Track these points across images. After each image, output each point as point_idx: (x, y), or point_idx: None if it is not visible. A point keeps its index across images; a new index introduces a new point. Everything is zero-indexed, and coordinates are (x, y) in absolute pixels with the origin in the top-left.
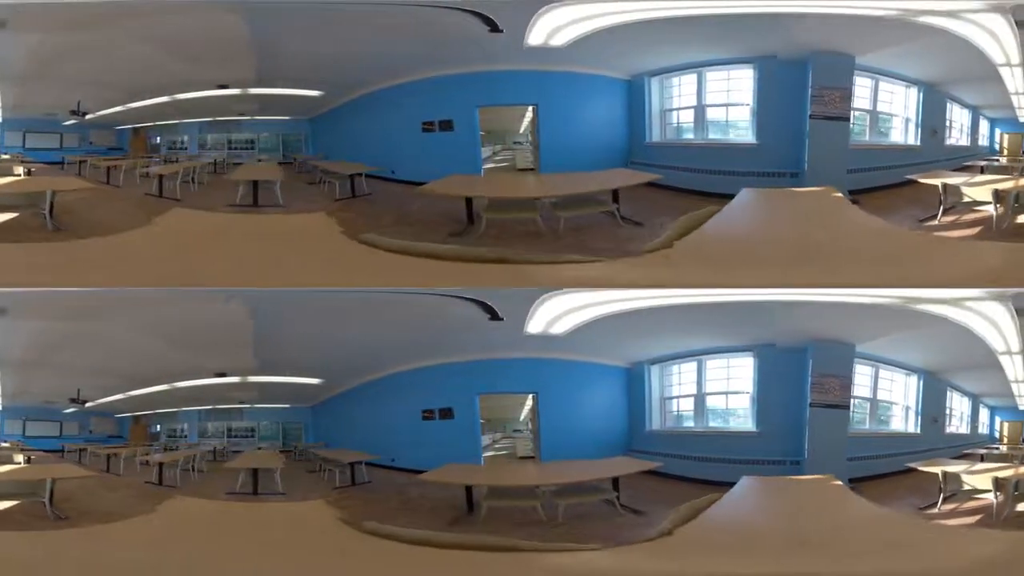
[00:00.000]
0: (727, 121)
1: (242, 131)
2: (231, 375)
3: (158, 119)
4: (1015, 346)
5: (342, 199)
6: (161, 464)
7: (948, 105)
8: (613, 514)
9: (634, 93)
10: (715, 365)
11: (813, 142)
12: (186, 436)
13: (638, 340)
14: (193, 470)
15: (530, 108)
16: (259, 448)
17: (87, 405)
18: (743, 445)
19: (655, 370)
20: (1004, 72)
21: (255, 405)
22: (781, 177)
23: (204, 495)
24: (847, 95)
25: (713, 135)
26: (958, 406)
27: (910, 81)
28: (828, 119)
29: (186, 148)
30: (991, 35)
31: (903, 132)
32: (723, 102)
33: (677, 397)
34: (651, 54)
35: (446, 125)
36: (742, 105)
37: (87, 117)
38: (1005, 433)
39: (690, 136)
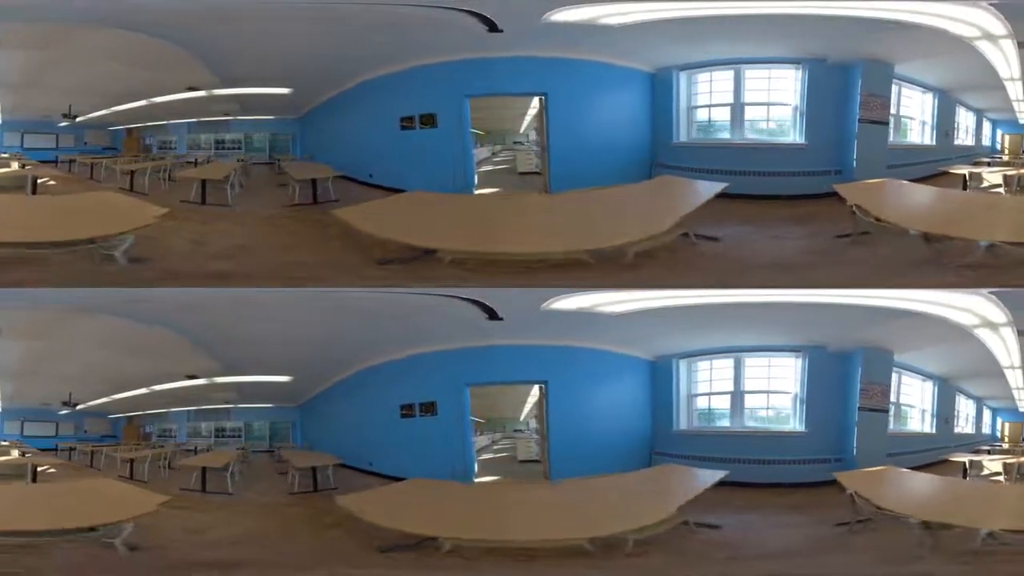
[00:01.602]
0: (769, 120)
1: (231, 131)
2: (201, 377)
3: (148, 120)
4: (1017, 361)
5: (299, 204)
6: (132, 460)
7: (956, 109)
8: (685, 532)
9: (659, 87)
10: (752, 363)
11: (860, 143)
12: (174, 436)
13: (666, 332)
14: (166, 467)
15: (536, 100)
16: (239, 448)
17: (78, 407)
18: (785, 445)
19: (683, 365)
20: (1008, 85)
21: (238, 405)
22: (827, 175)
23: (161, 489)
24: (887, 102)
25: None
26: (964, 408)
27: (927, 88)
28: (872, 123)
29: (174, 148)
30: (1001, 52)
31: (920, 133)
32: (763, 101)
33: (708, 394)
34: (683, 47)
35: (428, 120)
36: (784, 105)
37: (78, 120)
38: (1006, 433)
39: (726, 135)
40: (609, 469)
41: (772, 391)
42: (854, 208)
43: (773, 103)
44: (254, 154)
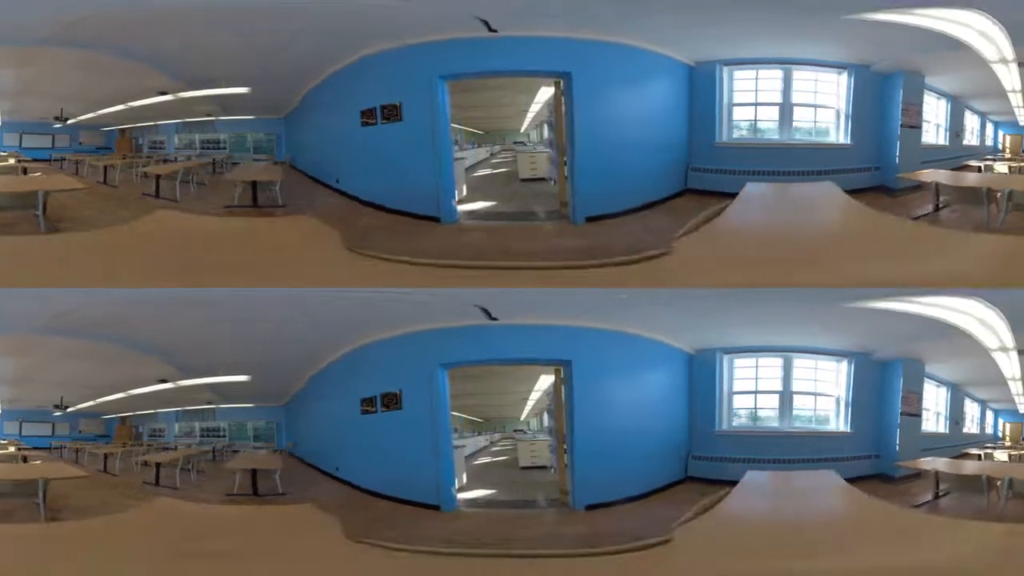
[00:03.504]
0: (815, 122)
1: (217, 131)
2: (170, 380)
3: (137, 121)
4: (1018, 374)
5: (239, 206)
6: (106, 455)
7: (964, 112)
8: None
9: (699, 82)
10: (801, 365)
11: (901, 144)
12: (163, 435)
13: (709, 322)
14: (141, 463)
15: (543, 93)
16: (210, 448)
17: (69, 410)
18: (829, 444)
19: (726, 361)
20: (1011, 96)
21: (220, 405)
22: (868, 171)
23: (125, 482)
24: (920, 109)
25: (768, 136)
26: (969, 410)
27: (941, 94)
28: (910, 127)
29: (163, 147)
30: (1007, 68)
31: (935, 135)
32: (810, 102)
33: (755, 393)
34: (729, 40)
35: (392, 113)
36: (827, 108)
37: (69, 122)
38: (1007, 432)
39: (771, 136)
40: (640, 475)
41: (819, 393)
42: (936, 185)
43: (819, 105)
44: (243, 154)
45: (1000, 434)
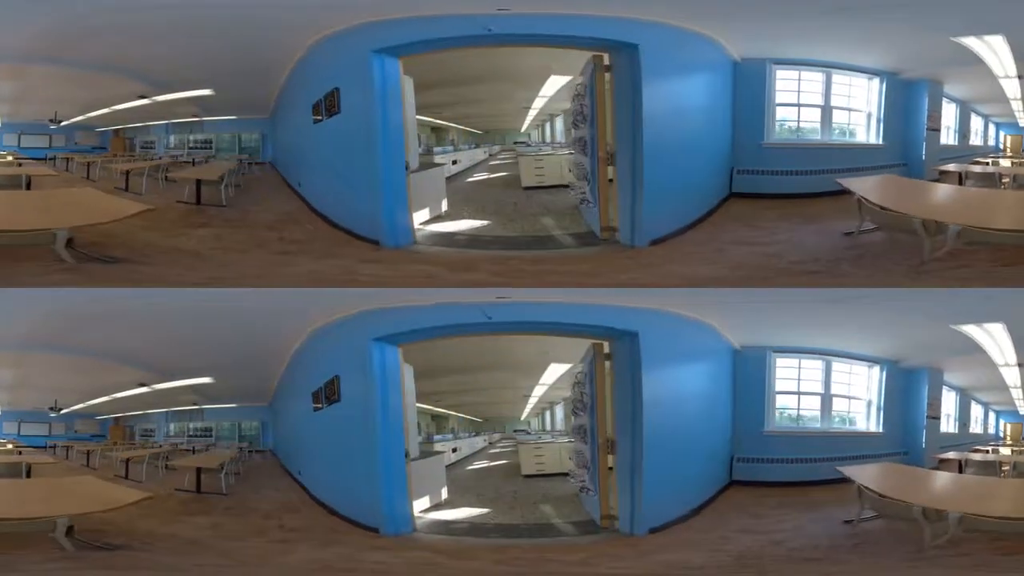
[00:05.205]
0: (849, 124)
1: (205, 131)
2: (148, 384)
3: (129, 122)
4: (1018, 382)
5: (185, 202)
6: (89, 452)
7: (970, 115)
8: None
9: (746, 79)
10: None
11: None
12: (153, 435)
13: (758, 318)
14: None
15: (549, 88)
16: (197, 447)
17: (63, 412)
18: (863, 444)
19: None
20: (1012, 102)
21: (207, 406)
22: (896, 168)
23: (103, 475)
24: (940, 114)
25: (809, 136)
26: (973, 411)
27: (952, 99)
28: (932, 130)
29: (154, 147)
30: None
31: (945, 136)
32: (845, 105)
33: (798, 394)
34: (777, 37)
35: (331, 104)
36: (859, 111)
37: (63, 123)
38: (1008, 432)
39: (814, 136)
40: (694, 485)
41: (852, 396)
42: (960, 175)
43: (853, 108)
44: (231, 154)
45: (1001, 434)
